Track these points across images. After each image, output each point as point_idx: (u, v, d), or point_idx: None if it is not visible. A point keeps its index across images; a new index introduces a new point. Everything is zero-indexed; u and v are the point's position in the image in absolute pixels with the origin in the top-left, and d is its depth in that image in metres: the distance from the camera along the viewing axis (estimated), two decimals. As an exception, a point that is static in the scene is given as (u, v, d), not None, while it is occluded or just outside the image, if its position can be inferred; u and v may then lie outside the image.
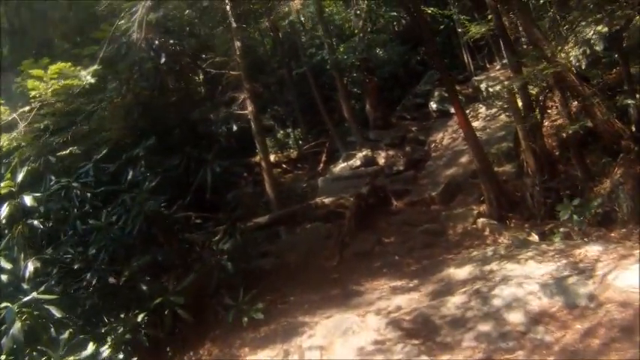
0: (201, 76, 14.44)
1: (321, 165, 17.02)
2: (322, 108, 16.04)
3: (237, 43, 12.10)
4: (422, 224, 9.95)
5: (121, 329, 6.44)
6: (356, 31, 16.11)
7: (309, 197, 13.28)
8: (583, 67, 9.88)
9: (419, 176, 12.83)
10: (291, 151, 17.43)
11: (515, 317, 5.52)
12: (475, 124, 13.68)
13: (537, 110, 10.53)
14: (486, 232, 8.83)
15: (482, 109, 14.21)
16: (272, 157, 16.09)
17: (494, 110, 13.89)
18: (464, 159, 12.42)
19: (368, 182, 11.06)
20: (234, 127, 10.91)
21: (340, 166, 15.32)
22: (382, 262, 8.51)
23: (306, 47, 17.05)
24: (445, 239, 9.15)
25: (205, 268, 7.60)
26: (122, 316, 6.70)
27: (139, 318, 6.65)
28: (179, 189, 9.09)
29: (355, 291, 7.41)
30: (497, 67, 16.15)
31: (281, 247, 10.29)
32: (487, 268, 6.80)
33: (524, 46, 10.43)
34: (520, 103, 9.89)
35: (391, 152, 15.23)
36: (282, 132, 18.02)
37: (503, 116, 13.37)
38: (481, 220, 9.21)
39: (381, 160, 14.84)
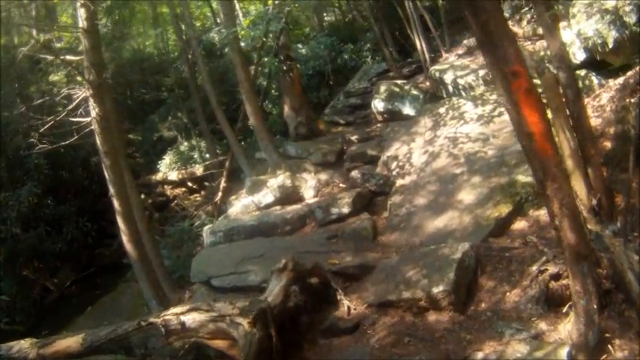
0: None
1: (219, 195, 11.71)
2: (218, 111, 12.01)
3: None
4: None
5: None
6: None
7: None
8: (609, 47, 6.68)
9: (381, 228, 6.86)
10: (197, 166, 14.60)
11: None
12: (465, 128, 8.11)
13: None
14: None
15: (468, 107, 8.57)
16: (175, 175, 14.68)
17: (487, 108, 8.29)
18: (465, 193, 6.64)
19: (285, 265, 4.73)
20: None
21: (242, 203, 9.20)
22: None
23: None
24: None
25: None
26: None
27: None
28: None
29: None
30: (459, 52, 10.94)
31: None
32: None
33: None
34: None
35: (324, 176, 9.39)
36: (186, 144, 15.51)
37: (504, 117, 7.72)
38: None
39: (309, 193, 8.89)
